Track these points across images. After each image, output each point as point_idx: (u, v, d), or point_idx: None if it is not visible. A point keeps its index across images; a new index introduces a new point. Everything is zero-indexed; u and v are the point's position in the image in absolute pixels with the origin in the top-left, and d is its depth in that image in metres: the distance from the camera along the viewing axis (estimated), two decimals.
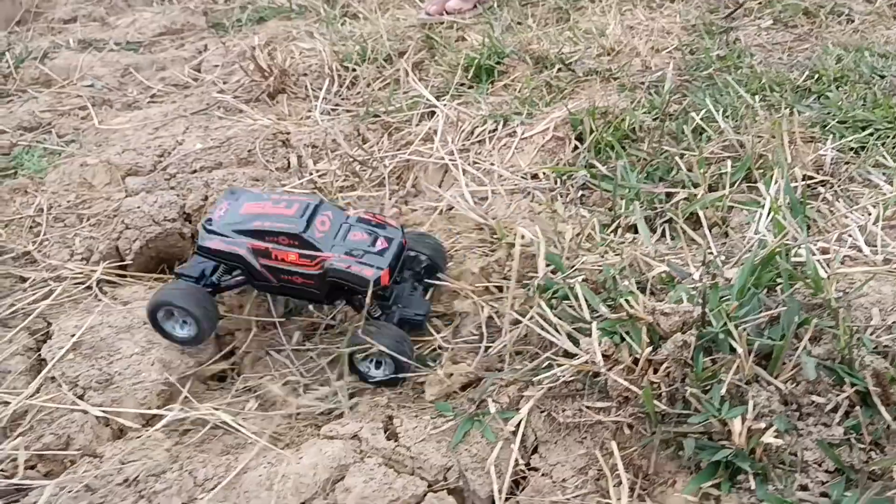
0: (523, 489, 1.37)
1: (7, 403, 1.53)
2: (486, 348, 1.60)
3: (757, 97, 2.11)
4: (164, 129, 2.79)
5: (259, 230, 1.58)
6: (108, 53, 3.80)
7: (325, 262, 1.55)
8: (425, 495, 1.31)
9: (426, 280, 1.71)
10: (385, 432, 1.44)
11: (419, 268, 1.72)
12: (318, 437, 1.45)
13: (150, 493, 1.30)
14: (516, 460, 1.38)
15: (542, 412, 1.42)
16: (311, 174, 2.34)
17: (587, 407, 1.37)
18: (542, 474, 1.37)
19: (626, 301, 1.32)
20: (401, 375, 1.55)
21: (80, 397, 1.57)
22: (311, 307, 1.82)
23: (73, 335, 1.72)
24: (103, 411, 1.53)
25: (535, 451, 1.40)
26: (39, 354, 1.74)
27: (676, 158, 1.86)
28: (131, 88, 3.45)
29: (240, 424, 1.51)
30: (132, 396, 1.58)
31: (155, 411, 1.54)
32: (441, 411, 1.47)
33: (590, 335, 1.38)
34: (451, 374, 1.52)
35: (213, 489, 1.31)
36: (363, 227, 1.61)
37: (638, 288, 1.43)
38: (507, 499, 1.35)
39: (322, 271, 1.55)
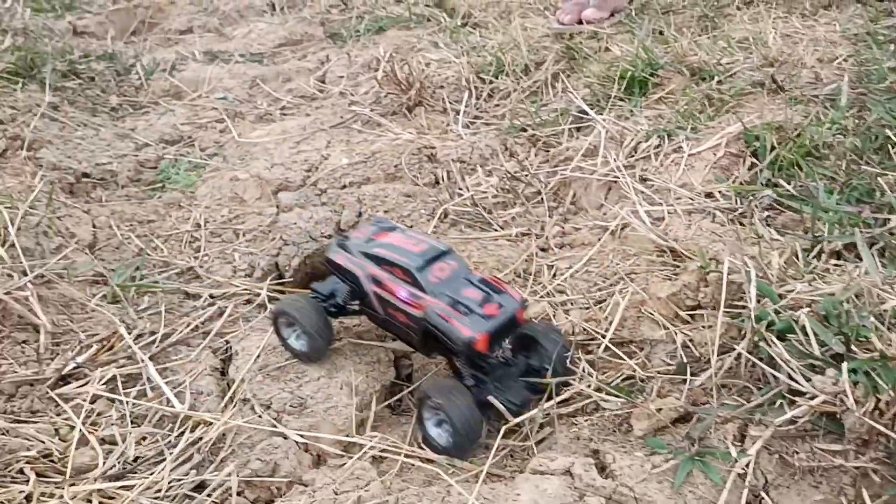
0: None
1: (210, 424, 1.53)
2: (691, 378, 1.53)
3: None
4: (306, 143, 2.80)
5: (379, 257, 1.56)
6: (234, 65, 3.87)
7: (427, 307, 1.47)
8: None
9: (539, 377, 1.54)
10: (597, 469, 1.39)
11: (537, 364, 1.55)
12: (522, 470, 1.41)
13: None
14: (747, 503, 1.31)
15: (770, 453, 1.34)
16: (465, 190, 2.30)
17: (821, 449, 1.29)
18: None
19: (874, 337, 1.24)
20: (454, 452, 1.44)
21: (276, 422, 1.57)
22: None
23: (257, 356, 1.73)
24: (301, 436, 1.52)
25: (765, 494, 1.33)
26: (222, 373, 1.75)
27: (878, 179, 1.76)
28: (260, 100, 3.50)
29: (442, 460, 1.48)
30: (328, 422, 1.57)
31: (354, 439, 1.53)
32: (654, 448, 1.41)
33: (822, 373, 1.30)
34: (661, 409, 1.46)
35: None
36: (481, 286, 1.51)
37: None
38: None
39: (423, 315, 1.48)
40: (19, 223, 1.98)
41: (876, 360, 1.22)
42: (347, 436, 1.54)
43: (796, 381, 1.31)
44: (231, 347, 1.81)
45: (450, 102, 2.87)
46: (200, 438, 1.51)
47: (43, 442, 1.47)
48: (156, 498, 1.37)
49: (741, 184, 1.97)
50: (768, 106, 2.17)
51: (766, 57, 2.39)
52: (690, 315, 1.67)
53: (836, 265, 1.64)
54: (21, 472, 1.39)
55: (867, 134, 1.96)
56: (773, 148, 1.97)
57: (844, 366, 1.22)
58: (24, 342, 1.72)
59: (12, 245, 1.91)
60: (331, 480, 1.40)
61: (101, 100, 3.38)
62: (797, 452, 1.33)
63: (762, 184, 1.92)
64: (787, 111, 2.11)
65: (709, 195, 1.98)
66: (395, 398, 1.72)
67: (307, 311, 1.65)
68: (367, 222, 1.88)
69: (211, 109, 3.33)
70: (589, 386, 1.56)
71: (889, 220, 1.64)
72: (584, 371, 1.62)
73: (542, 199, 2.23)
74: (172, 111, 3.32)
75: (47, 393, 1.59)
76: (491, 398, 1.47)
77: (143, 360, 1.68)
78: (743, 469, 1.32)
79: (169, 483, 1.40)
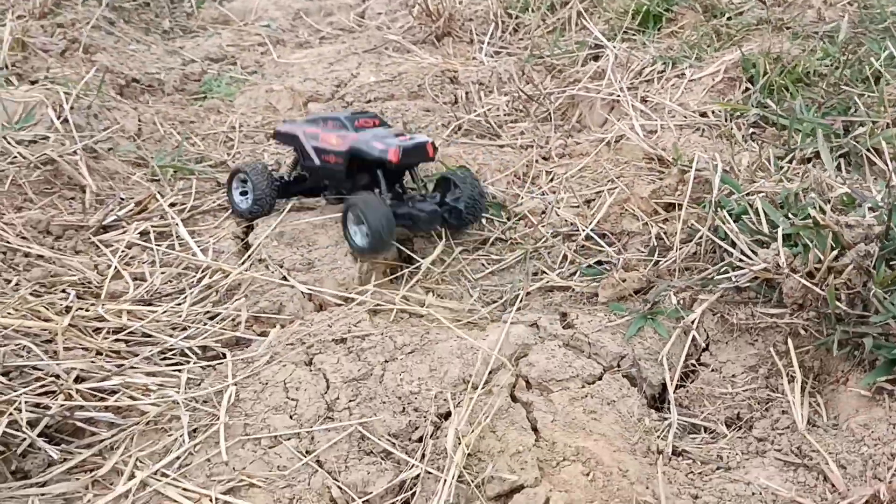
0: (692, 381, 1.46)
1: (227, 274, 1.74)
2: (657, 262, 1.69)
3: None
4: (339, 64, 2.99)
5: (316, 118, 1.95)
6: None
7: (353, 139, 1.82)
8: (601, 376, 1.42)
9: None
10: (561, 324, 1.56)
11: (451, 201, 1.89)
12: (500, 322, 1.59)
13: (357, 350, 1.47)
14: (688, 354, 1.47)
15: (714, 314, 1.50)
16: (480, 108, 2.47)
17: (761, 312, 1.45)
18: (712, 370, 1.46)
19: (813, 211, 1.38)
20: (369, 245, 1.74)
21: (286, 276, 1.77)
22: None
23: (275, 227, 1.93)
24: (308, 288, 1.72)
25: (706, 349, 1.49)
26: (243, 240, 1.96)
27: (855, 98, 1.88)
28: (302, 30, 3.70)
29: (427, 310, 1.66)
30: (332, 278, 1.76)
31: (352, 295, 1.72)
32: (615, 311, 1.58)
33: (767, 247, 1.44)
34: (625, 280, 1.62)
35: (411, 352, 1.47)
36: (396, 130, 1.88)
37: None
38: (677, 389, 1.45)
39: (347, 149, 1.83)
40: (73, 103, 2.20)
41: (810, 228, 1.37)
42: (347, 290, 1.73)
43: (745, 255, 1.46)
44: (254, 221, 2.01)
45: (477, 34, 3.03)
46: (219, 283, 1.72)
47: (84, 273, 1.69)
48: (177, 319, 1.58)
49: (735, 104, 2.10)
50: (772, 40, 2.29)
51: None
52: (667, 211, 1.83)
53: (805, 170, 1.77)
54: (63, 291, 1.61)
55: (857, 66, 2.07)
56: (766, 74, 2.10)
57: (779, 231, 1.37)
58: (72, 198, 1.95)
59: (65, 120, 2.14)
60: (327, 318, 1.59)
61: (154, 23, 3.61)
62: (738, 314, 1.48)
63: (753, 105, 2.05)
64: (786, 44, 2.22)
65: (703, 114, 2.12)
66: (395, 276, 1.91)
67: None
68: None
69: (254, 35, 3.54)
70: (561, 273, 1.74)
71: (854, 129, 1.77)
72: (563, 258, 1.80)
73: (549, 116, 2.39)
74: (219, 34, 3.54)
75: (90, 238, 1.82)
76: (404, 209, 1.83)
77: (174, 219, 1.89)
78: (687, 326, 1.49)
79: (188, 310, 1.61)
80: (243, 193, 1.98)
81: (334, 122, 1.89)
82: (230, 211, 2.02)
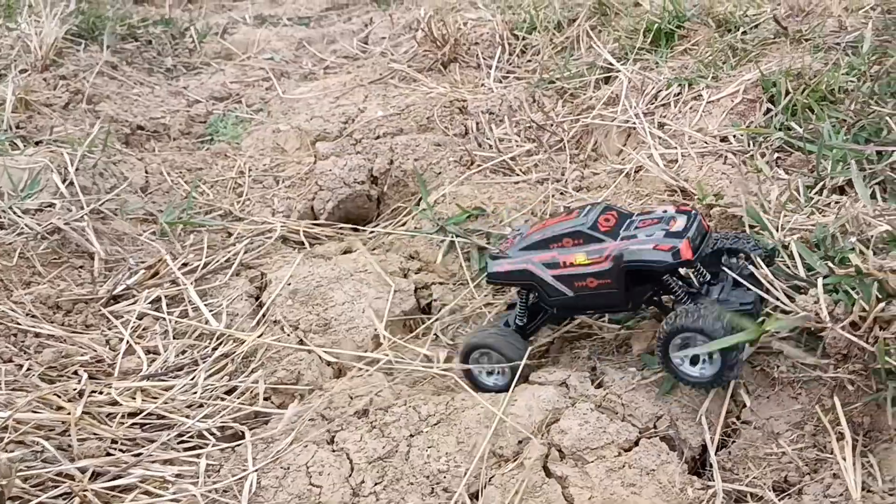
0: (734, 441, 1.38)
1: (242, 342, 1.69)
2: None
3: None
4: (345, 98, 2.93)
5: (544, 239, 1.50)
6: (282, 28, 4.03)
7: (615, 250, 1.41)
8: (638, 441, 1.35)
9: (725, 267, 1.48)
10: (592, 382, 1.50)
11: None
12: (525, 382, 1.52)
13: (380, 424, 1.41)
14: (727, 411, 1.40)
15: (754, 367, 1.43)
16: (492, 140, 2.40)
17: (803, 364, 1.37)
18: (755, 427, 1.38)
19: (853, 256, 1.31)
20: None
21: (303, 340, 1.71)
22: None
23: (289, 284, 1.87)
24: (326, 352, 1.66)
25: (746, 405, 1.41)
26: (257, 298, 1.90)
27: (887, 119, 1.79)
28: (306, 60, 3.65)
29: (449, 371, 1.60)
30: (350, 340, 1.71)
31: (372, 355, 1.66)
32: (647, 364, 1.50)
33: (805, 293, 1.37)
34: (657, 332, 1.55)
35: (436, 424, 1.40)
36: (649, 216, 1.47)
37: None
38: (718, 449, 1.37)
39: (613, 263, 1.42)
40: (78, 164, 2.16)
41: (852, 276, 1.29)
42: (366, 351, 1.67)
43: (780, 301, 1.38)
44: (266, 277, 1.96)
45: (483, 58, 2.96)
46: (234, 351, 1.67)
47: (95, 350, 1.64)
48: (192, 396, 1.53)
49: (756, 128, 2.02)
50: (790, 54, 2.21)
51: (792, 7, 2.41)
52: None
53: (836, 200, 1.69)
54: (75, 373, 1.56)
55: (884, 78, 1.98)
56: (787, 93, 2.01)
57: (820, 281, 1.29)
58: (80, 267, 1.90)
59: (71, 183, 2.09)
60: (347, 387, 1.54)
61: (156, 61, 3.58)
62: (778, 366, 1.41)
63: (776, 127, 1.97)
64: (807, 58, 2.14)
65: (723, 139, 2.04)
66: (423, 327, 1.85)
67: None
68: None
69: (258, 69, 3.49)
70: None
71: (891, 155, 1.68)
72: None
73: (563, 146, 2.32)
74: (222, 71, 3.50)
75: (100, 310, 1.77)
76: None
77: (185, 284, 1.84)
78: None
79: (204, 386, 1.56)
80: (490, 373, 1.56)
81: (573, 237, 1.46)
82: (243, 269, 1.97)
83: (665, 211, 1.48)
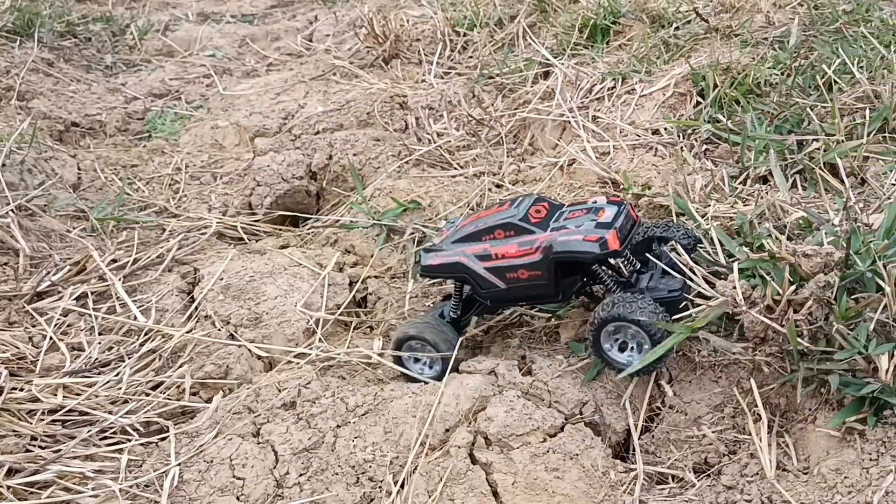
0: (657, 425, 1.41)
1: (170, 337, 1.66)
2: None
3: (892, 48, 2.05)
4: (286, 94, 2.91)
5: (477, 231, 1.50)
6: (225, 25, 3.98)
7: (545, 242, 1.43)
8: (563, 427, 1.37)
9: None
10: (520, 370, 1.50)
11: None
12: (455, 372, 1.52)
13: (307, 416, 1.40)
14: (651, 396, 1.42)
15: (677, 352, 1.45)
16: (431, 134, 2.40)
17: (723, 348, 1.40)
18: (677, 411, 1.40)
19: (768, 242, 1.34)
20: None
21: (233, 334, 1.69)
22: None
23: (221, 279, 1.85)
24: (256, 346, 1.65)
25: (668, 388, 1.43)
26: (189, 294, 1.88)
27: (808, 110, 1.84)
28: (249, 58, 3.61)
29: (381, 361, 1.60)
30: (280, 333, 1.69)
31: (302, 350, 1.65)
32: (574, 351, 1.52)
33: (725, 278, 1.39)
34: (586, 321, 1.56)
35: (364, 414, 1.40)
36: (579, 207, 1.49)
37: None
38: (642, 433, 1.39)
39: (543, 255, 1.43)
40: (4, 160, 2.11)
41: (766, 261, 1.32)
42: (296, 345, 1.66)
43: (701, 287, 1.41)
44: (198, 272, 1.93)
45: (425, 55, 2.96)
46: (161, 347, 1.64)
47: (17, 347, 1.60)
48: (116, 392, 1.50)
49: (686, 120, 2.05)
50: (721, 49, 2.25)
51: (723, 3, 2.46)
52: None
53: (759, 189, 1.73)
54: None
55: (808, 72, 2.03)
56: (716, 87, 2.05)
57: (735, 265, 1.32)
58: (4, 264, 1.85)
59: None
60: (275, 380, 1.52)
61: (95, 58, 3.50)
62: (700, 350, 1.43)
63: (704, 120, 2.01)
64: (736, 53, 2.18)
65: (654, 132, 2.07)
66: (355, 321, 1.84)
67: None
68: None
69: (199, 66, 3.44)
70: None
71: (809, 145, 1.73)
72: None
73: (501, 140, 2.33)
74: (163, 68, 3.44)
75: (24, 307, 1.73)
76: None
77: (112, 279, 1.80)
78: None
79: (129, 381, 1.53)
80: (420, 363, 1.58)
81: (504, 229, 1.47)
82: (175, 265, 1.94)
83: (595, 202, 1.50)
